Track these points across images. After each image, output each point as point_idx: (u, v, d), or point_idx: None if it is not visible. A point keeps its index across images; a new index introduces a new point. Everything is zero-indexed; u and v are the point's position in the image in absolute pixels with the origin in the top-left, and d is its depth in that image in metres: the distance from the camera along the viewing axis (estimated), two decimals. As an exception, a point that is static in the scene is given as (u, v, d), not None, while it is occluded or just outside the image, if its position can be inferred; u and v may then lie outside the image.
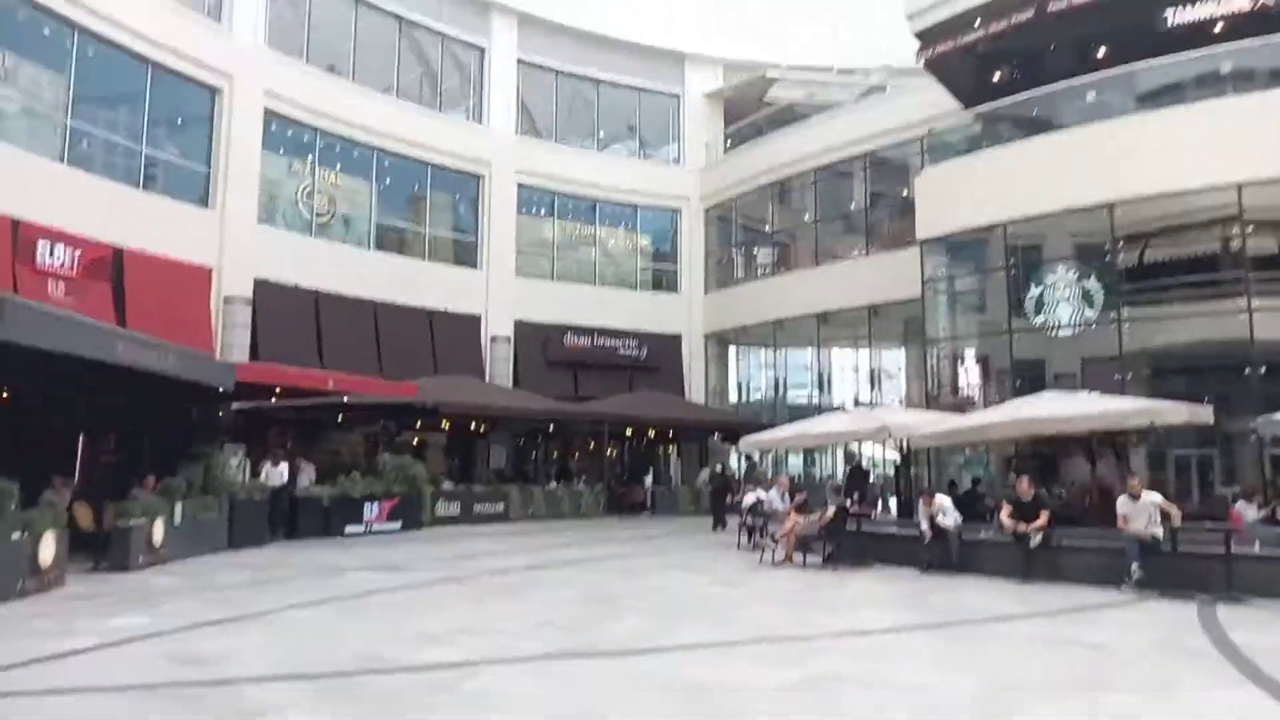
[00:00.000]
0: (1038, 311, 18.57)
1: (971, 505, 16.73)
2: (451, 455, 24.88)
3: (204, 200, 20.46)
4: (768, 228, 29.59)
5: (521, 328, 26.80)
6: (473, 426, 23.96)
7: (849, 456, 27.61)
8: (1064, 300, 18.19)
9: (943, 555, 12.24)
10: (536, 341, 27.00)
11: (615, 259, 30.07)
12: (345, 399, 18.07)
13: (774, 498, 14.35)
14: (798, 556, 13.09)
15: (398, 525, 18.24)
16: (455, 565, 12.95)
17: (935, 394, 20.76)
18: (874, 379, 27.08)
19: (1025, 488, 11.66)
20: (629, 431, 26.78)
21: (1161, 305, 17.71)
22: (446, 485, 21.24)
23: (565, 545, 16.28)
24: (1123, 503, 10.98)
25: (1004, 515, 11.66)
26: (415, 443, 23.36)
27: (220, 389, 13.52)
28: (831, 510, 12.73)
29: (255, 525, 15.09)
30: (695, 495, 25.85)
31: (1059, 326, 18.27)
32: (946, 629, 8.24)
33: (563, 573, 12.39)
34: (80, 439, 14.48)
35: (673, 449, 30.01)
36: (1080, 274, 18.04)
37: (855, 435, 16.40)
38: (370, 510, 17.78)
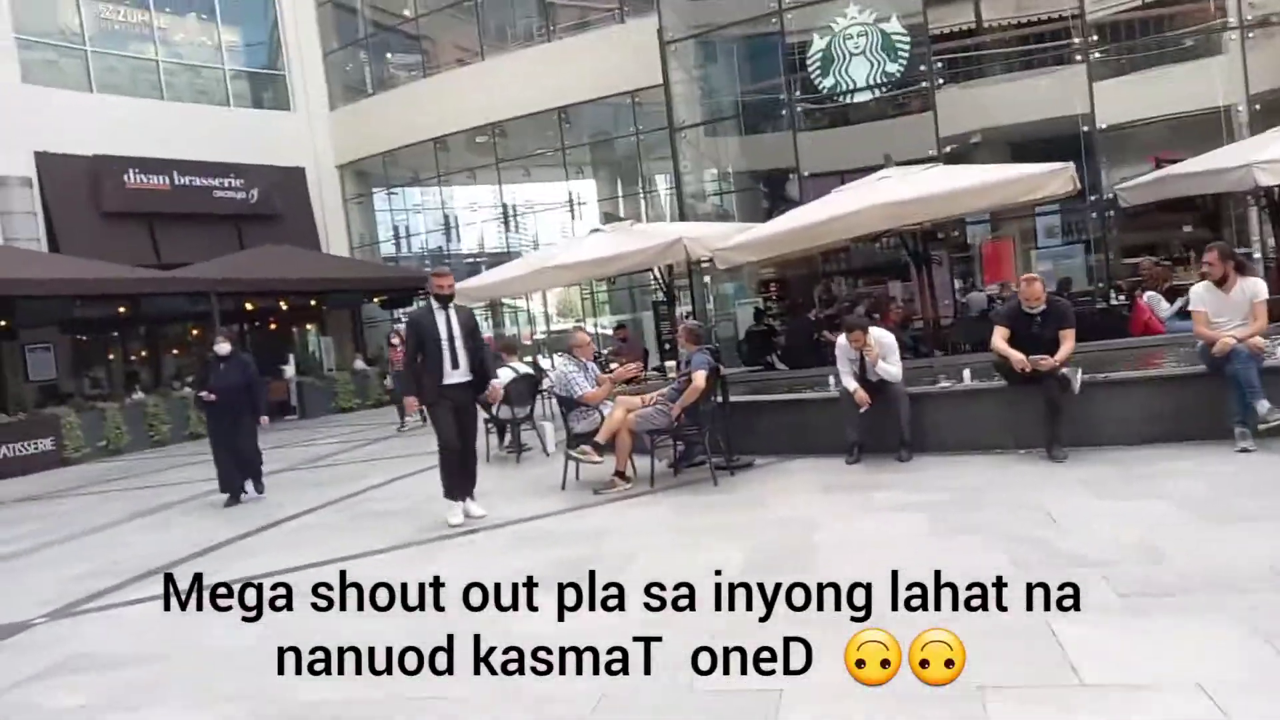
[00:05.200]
0: (824, 74, 13.81)
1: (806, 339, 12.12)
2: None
3: None
4: (407, 11, 21.77)
5: (49, 163, 17.23)
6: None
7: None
8: (858, 53, 13.53)
9: (876, 426, 7.02)
10: (79, 183, 17.57)
11: (190, 62, 20.74)
12: None
13: (572, 372, 7.77)
14: (629, 464, 7.22)
15: None
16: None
17: (689, 205, 15.58)
18: (573, 205, 21.38)
19: (1038, 292, 6.56)
20: (249, 306, 18.73)
21: (981, 77, 13.89)
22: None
23: (163, 506, 8.89)
24: (1201, 294, 6.37)
25: (999, 340, 6.59)
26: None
27: None
28: (701, 376, 6.81)
29: None
30: (360, 382, 18.90)
31: (854, 89, 13.67)
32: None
33: (160, 612, 5.24)
34: None
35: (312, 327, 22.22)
36: (879, 14, 13.40)
37: (637, 258, 10.54)
38: None
